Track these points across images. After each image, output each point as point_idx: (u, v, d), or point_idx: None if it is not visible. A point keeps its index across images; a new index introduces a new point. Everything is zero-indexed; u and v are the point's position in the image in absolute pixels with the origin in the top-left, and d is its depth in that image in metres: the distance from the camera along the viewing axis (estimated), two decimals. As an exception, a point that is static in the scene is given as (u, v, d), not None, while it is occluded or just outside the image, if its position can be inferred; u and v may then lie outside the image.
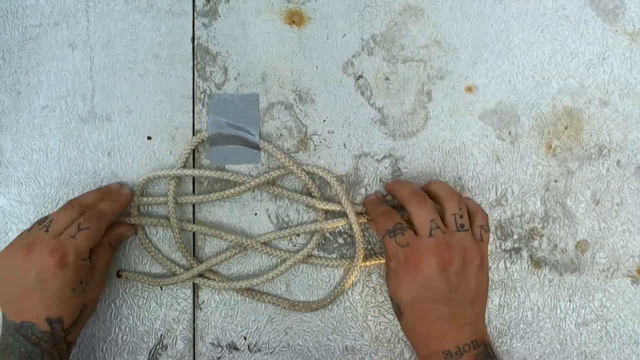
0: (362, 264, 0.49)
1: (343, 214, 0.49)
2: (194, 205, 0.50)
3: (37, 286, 0.40)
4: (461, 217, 0.42)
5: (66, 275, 0.41)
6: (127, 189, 0.49)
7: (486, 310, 0.50)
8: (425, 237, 0.41)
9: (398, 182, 0.48)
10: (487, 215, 0.44)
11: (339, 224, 0.49)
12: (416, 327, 0.42)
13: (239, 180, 0.48)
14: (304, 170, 0.49)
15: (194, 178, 0.50)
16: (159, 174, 0.48)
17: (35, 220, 0.47)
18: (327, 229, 0.49)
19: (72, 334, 0.43)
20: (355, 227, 0.48)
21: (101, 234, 0.44)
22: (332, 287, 0.50)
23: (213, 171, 0.48)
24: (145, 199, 0.49)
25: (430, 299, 0.41)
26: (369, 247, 0.50)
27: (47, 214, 0.49)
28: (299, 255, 0.49)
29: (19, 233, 0.44)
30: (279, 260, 0.50)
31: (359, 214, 0.49)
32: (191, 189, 0.50)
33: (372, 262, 0.49)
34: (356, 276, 0.50)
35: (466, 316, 0.41)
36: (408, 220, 0.44)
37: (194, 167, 0.50)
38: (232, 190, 0.48)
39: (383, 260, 0.49)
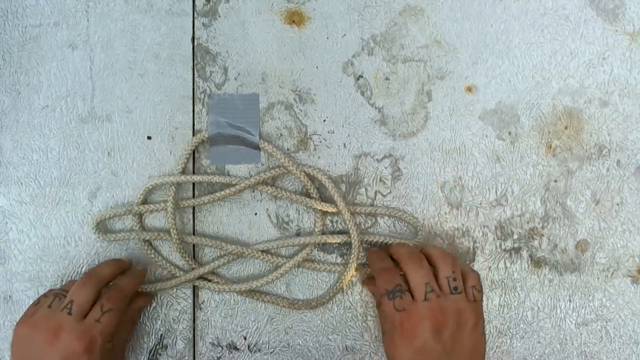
0: (355, 272, 0.49)
1: (341, 215, 0.49)
2: (194, 207, 0.50)
3: None
4: (454, 279, 0.43)
5: None
6: (142, 265, 0.49)
7: (485, 311, 0.50)
8: (421, 302, 0.42)
9: (399, 243, 0.49)
10: (478, 274, 0.45)
11: (337, 240, 0.49)
12: None
13: (235, 182, 0.48)
14: (303, 171, 0.49)
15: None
16: (160, 182, 0.48)
17: (37, 222, 0.47)
18: (324, 242, 0.49)
19: None
20: (351, 224, 0.48)
21: (123, 314, 0.44)
22: (330, 286, 0.50)
23: (213, 176, 0.48)
24: (145, 206, 0.48)
25: None
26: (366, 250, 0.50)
27: (46, 214, 0.49)
28: (297, 258, 0.49)
29: (30, 306, 0.43)
30: (279, 264, 0.50)
31: (354, 215, 0.49)
32: (191, 188, 0.50)
33: (363, 272, 0.50)
34: (353, 275, 0.50)
35: None
36: (404, 278, 0.44)
37: (194, 167, 0.50)
38: (228, 191, 0.48)
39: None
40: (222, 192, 0.48)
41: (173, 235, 0.48)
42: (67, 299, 0.42)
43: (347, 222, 0.48)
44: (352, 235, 0.48)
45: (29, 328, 0.41)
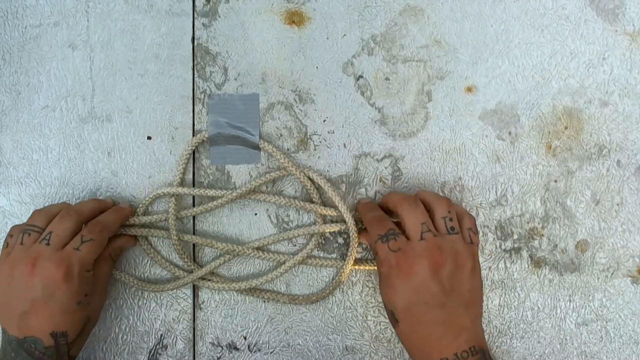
0: (353, 267, 0.49)
1: (342, 217, 0.49)
2: (193, 202, 0.50)
3: (43, 300, 0.40)
4: (451, 219, 0.42)
5: (72, 289, 0.41)
6: (127, 204, 0.49)
7: (485, 311, 0.50)
8: (417, 241, 0.41)
9: (390, 193, 0.48)
10: (474, 217, 0.44)
11: (335, 228, 0.48)
12: (412, 334, 0.42)
13: (226, 194, 0.48)
14: (303, 172, 0.48)
15: (194, 180, 0.50)
16: (161, 192, 0.48)
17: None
18: (324, 232, 0.49)
19: (74, 347, 0.43)
20: (351, 224, 0.48)
21: (104, 246, 0.44)
22: (330, 285, 0.50)
23: (213, 190, 0.48)
24: (146, 217, 0.48)
25: (424, 304, 0.40)
26: (366, 246, 0.50)
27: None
28: (298, 257, 0.49)
29: (2, 248, 0.44)
30: (279, 262, 0.50)
31: (360, 230, 0.49)
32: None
33: (363, 267, 0.50)
34: (351, 268, 0.50)
35: (462, 321, 0.41)
36: (399, 225, 0.43)
37: (194, 167, 0.50)
38: (227, 198, 0.48)
39: (373, 267, 0.49)
40: (220, 201, 0.48)
41: (173, 238, 0.48)
42: (45, 231, 0.42)
43: (344, 214, 0.48)
44: (350, 228, 0.48)
45: (8, 265, 0.42)
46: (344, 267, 0.48)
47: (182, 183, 0.49)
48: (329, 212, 0.48)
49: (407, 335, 0.42)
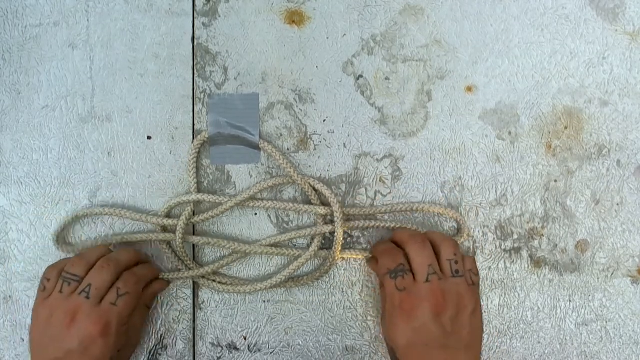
0: (340, 256, 0.49)
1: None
2: (194, 205, 0.50)
3: (78, 353, 0.41)
4: (456, 262, 0.43)
5: (107, 344, 0.41)
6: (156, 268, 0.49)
7: (485, 311, 0.50)
8: (422, 283, 0.42)
9: (402, 228, 0.49)
10: (473, 258, 0.45)
11: (326, 229, 0.49)
12: None
13: (226, 201, 0.48)
14: (301, 176, 0.48)
15: (198, 182, 0.50)
16: (184, 200, 0.48)
17: (37, 222, 0.47)
18: (323, 233, 0.49)
19: None
20: (337, 210, 0.48)
21: (138, 298, 0.45)
22: (331, 286, 0.50)
23: (219, 197, 0.49)
24: (169, 220, 0.48)
25: (424, 345, 0.41)
26: (354, 239, 0.50)
27: (46, 214, 0.49)
28: (303, 258, 0.48)
29: (38, 290, 0.44)
30: (286, 261, 0.50)
31: (347, 221, 0.49)
32: (189, 190, 0.50)
33: (350, 255, 0.49)
34: (350, 269, 0.50)
35: None
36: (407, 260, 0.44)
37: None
38: (227, 205, 0.48)
39: (359, 256, 0.49)
40: (222, 208, 0.48)
41: (178, 240, 0.48)
42: (84, 282, 0.42)
43: (332, 205, 0.48)
44: (335, 211, 0.48)
45: (47, 310, 0.42)
46: (335, 245, 0.48)
47: (199, 189, 0.49)
48: (328, 212, 0.48)
49: None
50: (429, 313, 0.40)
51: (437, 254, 0.44)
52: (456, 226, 0.50)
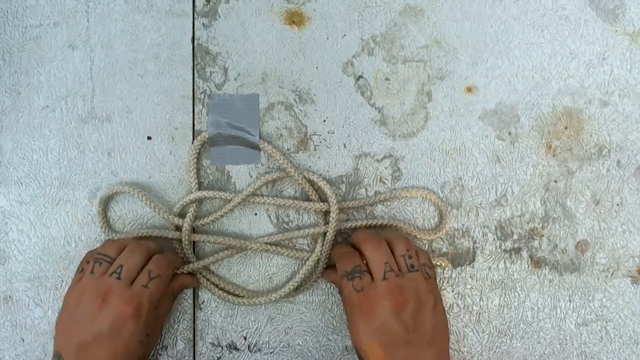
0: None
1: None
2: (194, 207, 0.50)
3: (109, 335, 0.40)
4: (410, 257, 0.43)
5: (138, 327, 0.41)
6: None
7: (485, 311, 0.50)
8: (380, 281, 0.41)
9: (356, 232, 0.48)
10: (428, 253, 0.45)
11: (321, 230, 0.49)
12: None
13: (231, 197, 0.48)
14: (302, 174, 0.48)
15: (199, 183, 0.50)
16: (195, 197, 0.48)
17: (37, 222, 0.47)
18: (322, 232, 0.49)
19: None
20: (333, 221, 0.48)
21: (167, 283, 0.44)
22: (331, 286, 0.50)
23: (220, 192, 0.48)
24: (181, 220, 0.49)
25: (387, 344, 0.40)
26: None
27: (46, 214, 0.49)
28: (311, 261, 0.49)
29: (75, 274, 0.44)
30: (287, 261, 0.50)
31: (342, 209, 0.49)
32: (190, 190, 0.50)
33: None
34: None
35: (428, 357, 0.41)
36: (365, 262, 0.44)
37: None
38: (229, 206, 0.48)
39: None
40: (228, 206, 0.48)
41: (185, 239, 0.48)
42: (115, 264, 0.42)
43: (330, 200, 0.48)
44: (331, 206, 0.48)
45: (78, 292, 0.42)
46: (329, 232, 0.48)
47: (200, 188, 0.49)
48: (326, 208, 0.48)
49: None
50: (389, 311, 0.40)
51: (391, 252, 0.43)
52: (439, 217, 0.50)
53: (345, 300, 0.44)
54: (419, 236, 0.49)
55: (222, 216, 0.49)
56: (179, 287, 0.48)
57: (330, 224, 0.48)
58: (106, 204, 0.49)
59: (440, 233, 0.50)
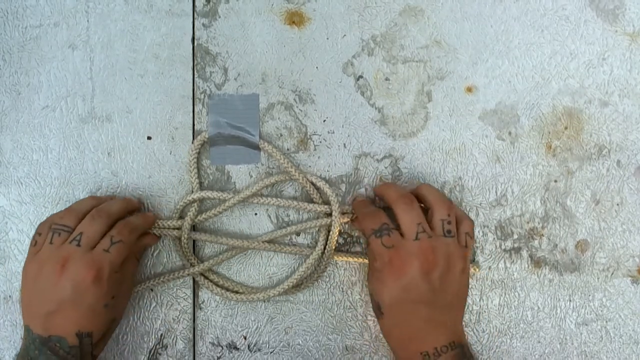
0: (336, 258, 0.49)
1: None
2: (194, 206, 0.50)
3: (72, 301, 0.40)
4: (449, 223, 0.43)
5: (101, 291, 0.41)
6: (151, 213, 0.49)
7: (485, 311, 0.50)
8: (411, 240, 0.42)
9: (387, 184, 0.48)
10: (473, 222, 0.45)
11: (322, 222, 0.48)
12: (395, 327, 0.43)
13: (229, 197, 0.48)
14: (303, 175, 0.48)
15: (200, 182, 0.50)
16: (195, 197, 0.48)
17: (37, 222, 0.47)
18: (319, 227, 0.49)
19: (98, 347, 0.43)
20: (336, 224, 0.48)
21: (131, 247, 0.44)
22: (331, 286, 0.50)
23: (220, 193, 0.49)
24: (179, 222, 0.49)
25: (411, 301, 0.41)
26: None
27: (46, 214, 0.49)
28: (311, 259, 0.48)
29: (30, 246, 0.44)
30: (286, 259, 0.50)
31: (344, 214, 0.49)
32: (191, 189, 0.50)
33: (345, 258, 0.49)
34: (348, 268, 0.50)
35: (445, 318, 0.42)
36: (395, 221, 0.44)
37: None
38: (231, 202, 0.48)
39: (359, 260, 0.49)
40: (226, 204, 0.48)
41: (184, 237, 0.48)
42: (76, 232, 0.42)
43: (331, 201, 0.48)
44: (334, 209, 0.48)
45: (37, 264, 0.42)
46: (332, 229, 0.48)
47: (201, 188, 0.49)
48: (327, 209, 0.48)
49: (390, 328, 0.43)
50: (419, 269, 0.41)
51: (429, 213, 0.44)
52: None
53: (373, 256, 0.44)
54: None
55: (220, 212, 0.49)
56: (141, 247, 0.48)
57: (332, 228, 0.48)
58: None
59: None
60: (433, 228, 0.43)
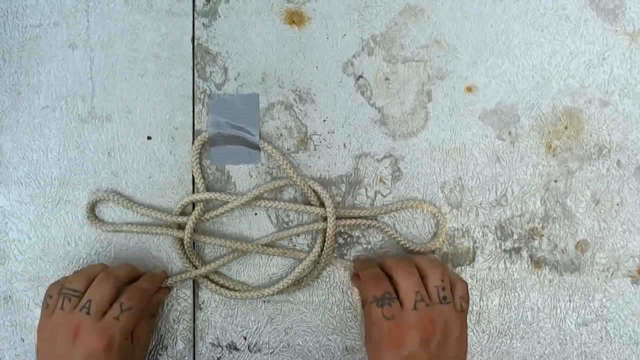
0: (330, 259, 0.49)
1: (339, 218, 0.49)
2: (193, 205, 0.50)
3: None
4: (444, 289, 0.43)
5: (111, 358, 0.41)
6: (160, 270, 0.49)
7: (485, 311, 0.50)
8: (410, 310, 0.42)
9: (386, 258, 0.48)
10: (466, 284, 0.45)
11: (319, 226, 0.49)
12: None
13: (231, 199, 0.48)
14: (299, 176, 0.48)
15: (193, 180, 0.50)
16: (193, 199, 0.48)
17: (37, 222, 0.47)
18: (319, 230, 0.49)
19: None
20: (330, 229, 0.48)
21: (142, 312, 0.44)
22: (331, 286, 0.50)
23: (235, 195, 0.48)
24: (181, 218, 0.49)
25: None
26: (348, 239, 0.50)
27: (46, 214, 0.49)
28: (308, 260, 0.48)
29: (42, 307, 0.44)
30: (286, 260, 0.50)
31: (339, 219, 0.49)
32: (191, 189, 0.50)
33: (335, 264, 0.50)
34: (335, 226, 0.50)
35: None
36: (393, 286, 0.44)
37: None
38: (234, 204, 0.48)
39: (341, 266, 0.49)
40: (224, 207, 0.48)
41: (187, 239, 0.48)
42: (85, 298, 0.42)
43: (327, 207, 0.48)
44: (329, 213, 0.48)
45: (50, 330, 0.42)
46: (329, 229, 0.48)
47: (207, 188, 0.49)
48: (324, 212, 0.48)
49: None
50: (417, 341, 0.41)
51: (423, 280, 0.44)
52: (436, 227, 0.50)
53: (371, 326, 0.44)
54: (416, 250, 0.49)
55: (222, 214, 0.49)
56: (155, 305, 0.48)
57: (327, 231, 0.48)
58: (92, 210, 0.49)
59: (437, 244, 0.49)
60: (429, 295, 0.43)
